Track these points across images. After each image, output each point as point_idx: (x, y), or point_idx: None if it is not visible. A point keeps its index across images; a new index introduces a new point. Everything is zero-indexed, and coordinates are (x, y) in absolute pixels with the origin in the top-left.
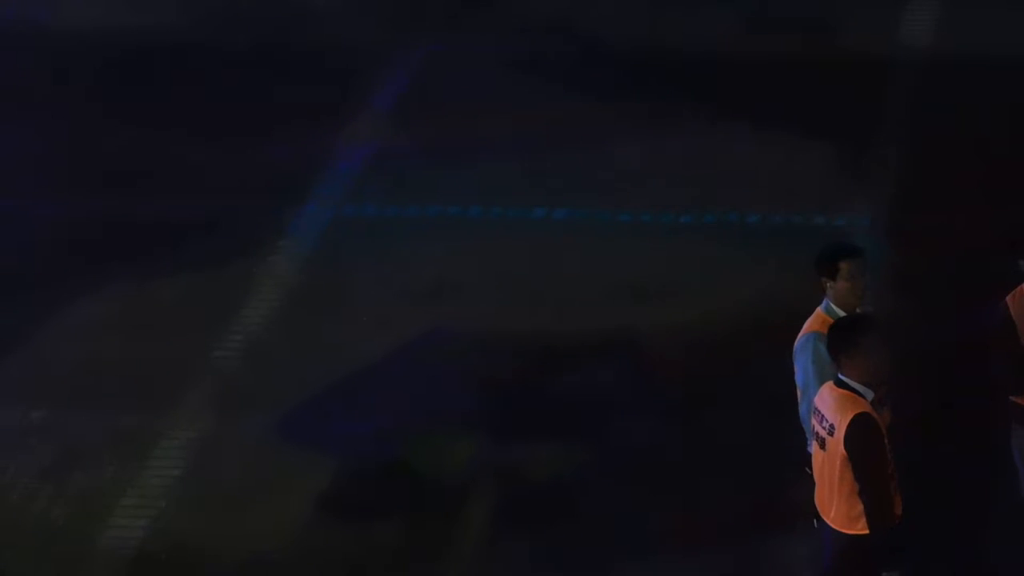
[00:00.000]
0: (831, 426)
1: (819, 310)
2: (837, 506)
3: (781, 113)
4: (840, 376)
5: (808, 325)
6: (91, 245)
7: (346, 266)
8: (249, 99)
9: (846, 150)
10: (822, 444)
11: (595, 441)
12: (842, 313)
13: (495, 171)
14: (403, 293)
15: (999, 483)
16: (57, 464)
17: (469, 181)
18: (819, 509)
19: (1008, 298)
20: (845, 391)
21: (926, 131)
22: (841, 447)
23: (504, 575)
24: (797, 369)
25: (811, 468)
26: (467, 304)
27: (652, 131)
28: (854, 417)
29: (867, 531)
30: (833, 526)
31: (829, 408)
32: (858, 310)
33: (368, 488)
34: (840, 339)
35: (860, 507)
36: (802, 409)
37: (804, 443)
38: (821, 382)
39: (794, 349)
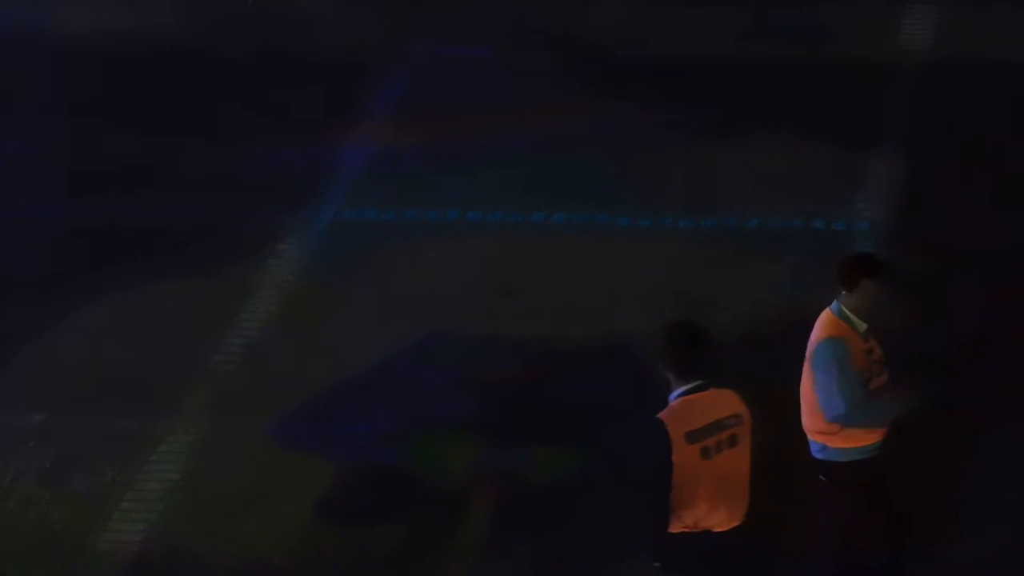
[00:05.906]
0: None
1: (830, 313)
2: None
3: (781, 116)
4: None
5: (824, 330)
6: (90, 248)
7: (345, 270)
8: (248, 103)
9: (846, 153)
10: None
11: (595, 444)
12: (854, 318)
13: (494, 175)
14: (402, 297)
15: (999, 483)
16: (56, 467)
17: (468, 185)
18: None
19: None
20: None
21: (926, 134)
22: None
23: None
24: (818, 375)
25: (826, 476)
26: (466, 308)
27: (651, 135)
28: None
29: None
30: None
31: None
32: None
33: (368, 491)
34: None
35: None
36: (831, 414)
37: (807, 446)
38: (848, 383)
39: (810, 355)
